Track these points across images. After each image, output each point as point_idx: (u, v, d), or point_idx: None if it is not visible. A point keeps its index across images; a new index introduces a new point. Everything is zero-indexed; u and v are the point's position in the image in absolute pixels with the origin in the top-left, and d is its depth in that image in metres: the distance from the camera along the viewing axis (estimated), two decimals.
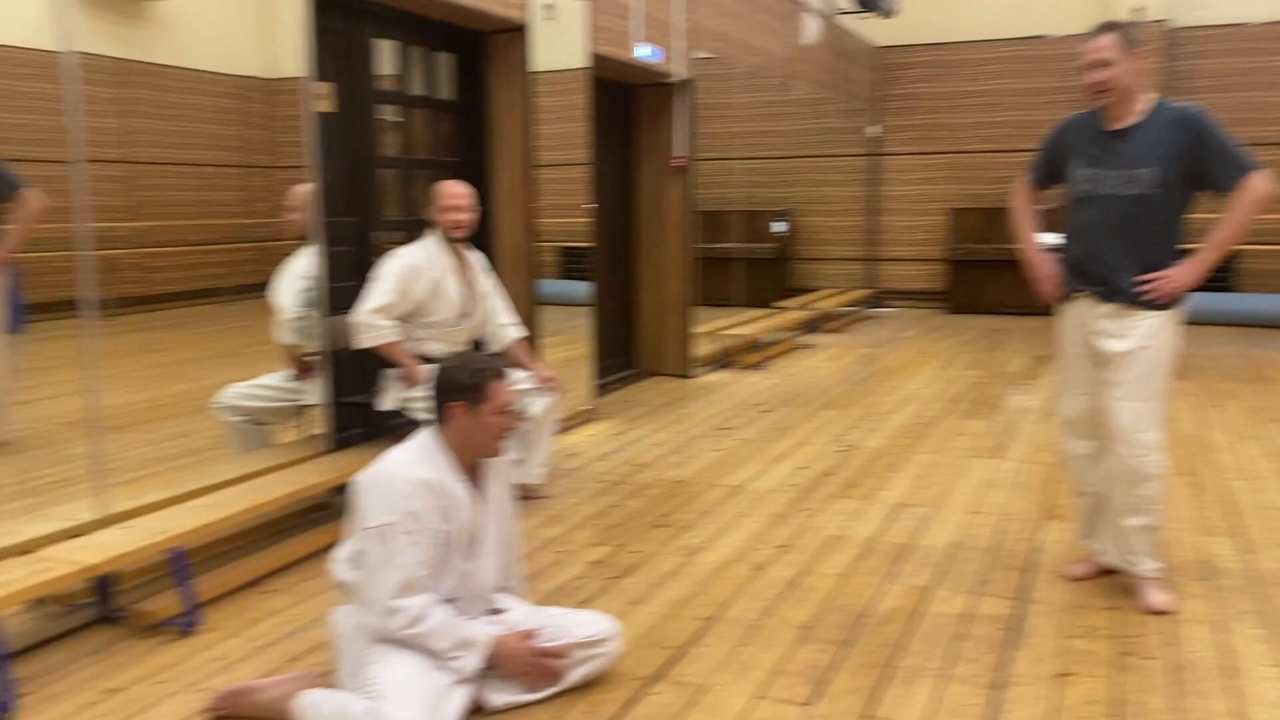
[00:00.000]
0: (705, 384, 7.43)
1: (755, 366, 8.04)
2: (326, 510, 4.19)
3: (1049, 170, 3.56)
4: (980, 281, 11.36)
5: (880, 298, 11.95)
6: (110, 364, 3.77)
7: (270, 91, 9.02)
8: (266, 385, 4.39)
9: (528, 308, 5.39)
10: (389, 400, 4.25)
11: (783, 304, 10.02)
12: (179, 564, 3.19)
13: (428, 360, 4.17)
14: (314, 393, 4.39)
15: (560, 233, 6.71)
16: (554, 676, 2.72)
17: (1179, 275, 3.24)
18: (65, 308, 5.67)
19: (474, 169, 5.46)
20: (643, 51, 6.62)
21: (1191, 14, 10.62)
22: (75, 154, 3.51)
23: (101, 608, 3.23)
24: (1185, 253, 3.28)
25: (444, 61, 5.41)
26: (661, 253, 7.57)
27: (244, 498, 3.63)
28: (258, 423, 4.38)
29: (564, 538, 4.07)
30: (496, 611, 2.81)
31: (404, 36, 5.06)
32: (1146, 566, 3.36)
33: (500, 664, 2.65)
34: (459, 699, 2.56)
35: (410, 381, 4.14)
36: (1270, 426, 5.90)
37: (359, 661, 2.57)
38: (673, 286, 7.57)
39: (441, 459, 2.66)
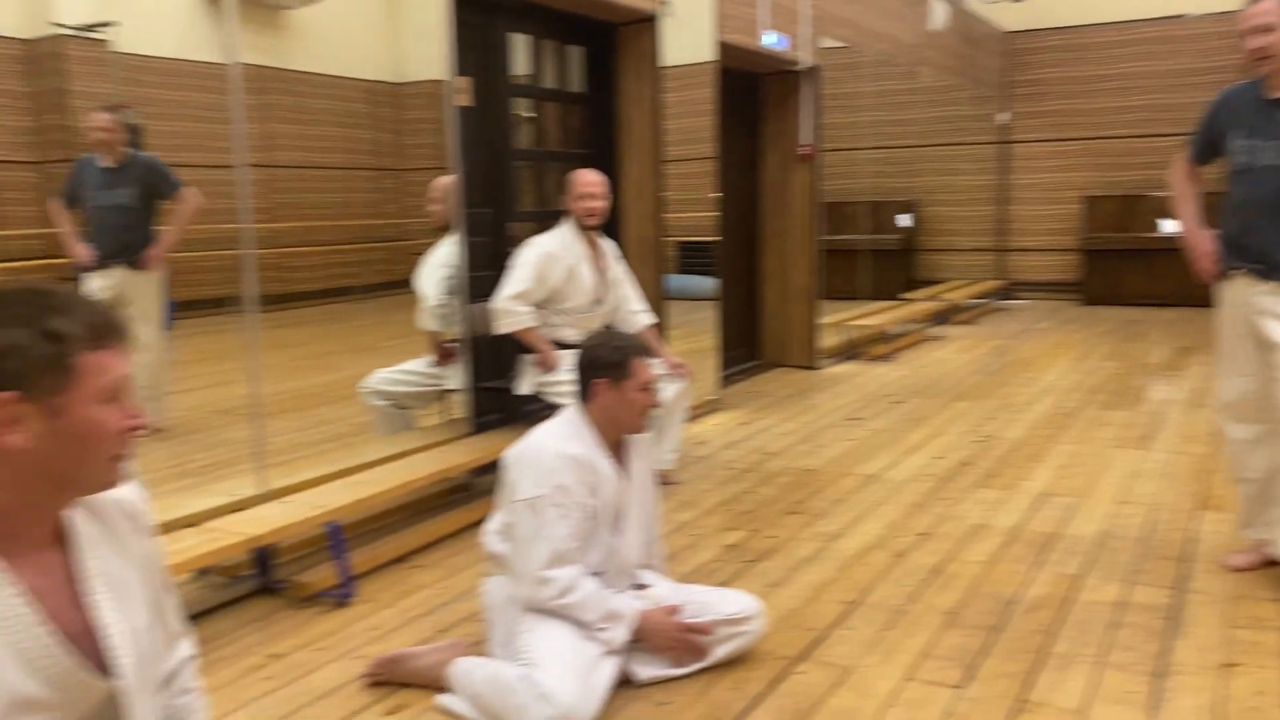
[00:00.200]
0: (832, 375, 7.34)
1: (883, 358, 7.91)
2: (468, 491, 4.30)
3: (1209, 145, 3.41)
4: (1117, 271, 10.92)
5: (1010, 289, 11.62)
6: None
7: (398, 95, 9.31)
8: (410, 371, 4.54)
9: (655, 299, 5.41)
10: (526, 385, 4.34)
11: (909, 295, 9.84)
12: (336, 537, 3.33)
13: (562, 346, 4.24)
14: (455, 378, 4.51)
15: (680, 227, 6.72)
16: (699, 652, 2.73)
17: None
18: (205, 305, 5.98)
19: (603, 161, 5.51)
20: (769, 39, 6.59)
21: None
22: (239, 159, 3.68)
23: (262, 579, 3.38)
24: None
25: (574, 55, 5.49)
26: (786, 243, 7.51)
27: (394, 475, 3.77)
28: (401, 407, 4.53)
29: (697, 522, 4.08)
30: (641, 587, 2.84)
31: (536, 30, 5.15)
32: None
33: (646, 638, 2.68)
34: (608, 670, 2.59)
35: (546, 367, 4.22)
36: None
37: (511, 631, 2.63)
38: (797, 277, 7.50)
39: (588, 435, 2.70)
